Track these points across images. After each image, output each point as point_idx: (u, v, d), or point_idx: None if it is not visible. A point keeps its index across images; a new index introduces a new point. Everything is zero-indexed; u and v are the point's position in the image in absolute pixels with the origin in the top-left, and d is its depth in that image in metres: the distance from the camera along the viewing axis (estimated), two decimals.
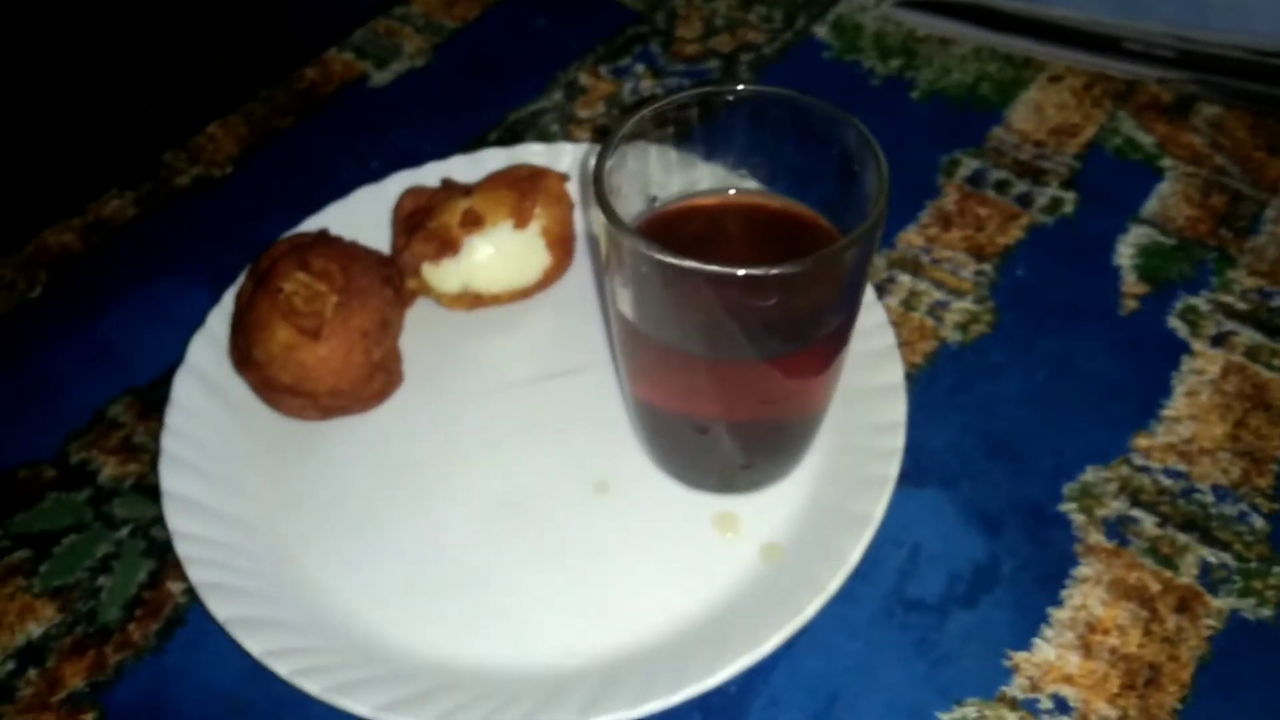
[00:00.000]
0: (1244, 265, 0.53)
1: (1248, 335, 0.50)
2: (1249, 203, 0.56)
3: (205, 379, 0.48)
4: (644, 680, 0.38)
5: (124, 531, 0.46)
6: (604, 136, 0.38)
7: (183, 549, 0.41)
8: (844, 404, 0.44)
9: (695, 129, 0.40)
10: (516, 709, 0.38)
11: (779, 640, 0.38)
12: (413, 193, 0.53)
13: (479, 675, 0.40)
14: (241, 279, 0.50)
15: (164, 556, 0.45)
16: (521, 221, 0.50)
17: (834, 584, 0.39)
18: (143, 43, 0.71)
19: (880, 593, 0.42)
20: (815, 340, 0.37)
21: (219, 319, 0.49)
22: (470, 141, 0.63)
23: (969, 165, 0.60)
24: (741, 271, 0.32)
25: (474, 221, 0.50)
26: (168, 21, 0.73)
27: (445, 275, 0.51)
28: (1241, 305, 0.51)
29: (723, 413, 0.40)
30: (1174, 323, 0.51)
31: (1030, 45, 0.66)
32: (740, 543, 0.43)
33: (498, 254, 0.50)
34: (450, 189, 0.52)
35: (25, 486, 0.48)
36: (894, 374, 0.45)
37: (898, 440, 0.43)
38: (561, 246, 0.52)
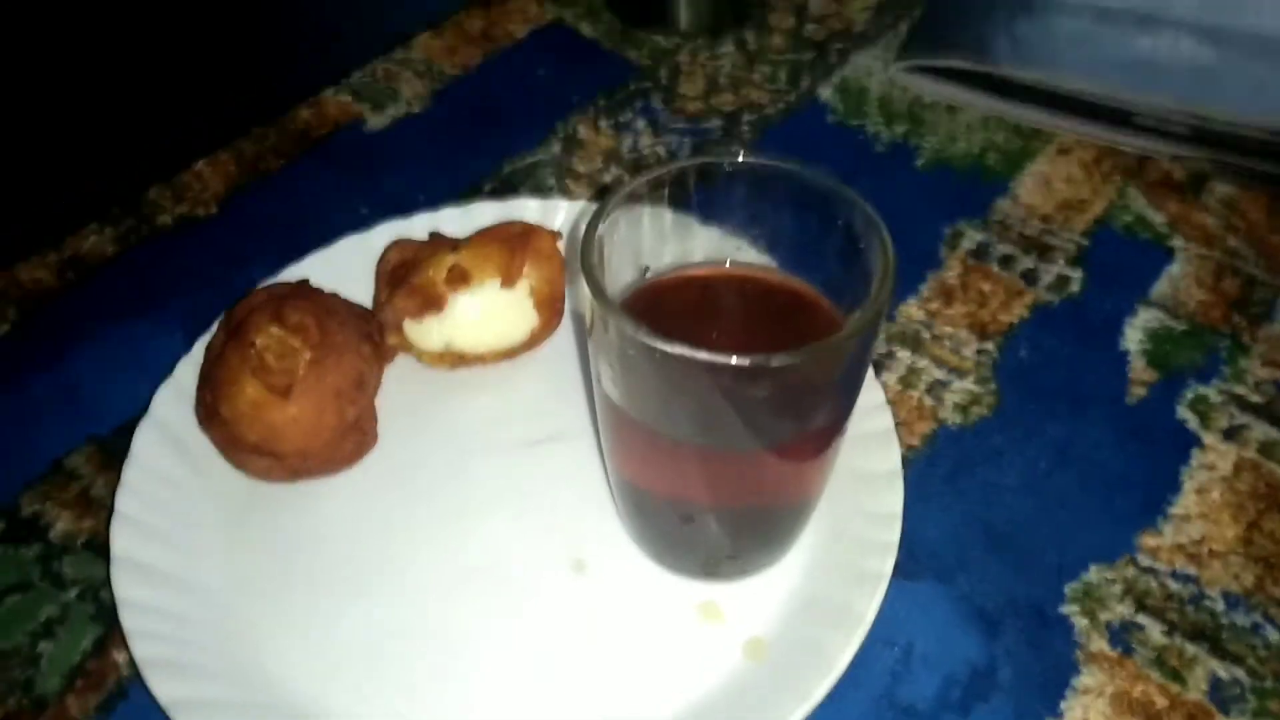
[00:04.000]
0: (1258, 355, 0.51)
1: (1261, 430, 0.48)
2: (1264, 288, 0.54)
3: (168, 433, 0.45)
4: None
5: (72, 593, 0.44)
6: (599, 201, 0.36)
7: (128, 620, 0.39)
8: (837, 488, 0.42)
9: (692, 198, 0.38)
10: None
11: None
12: (399, 245, 0.51)
13: None
14: (214, 328, 0.48)
15: (112, 622, 0.42)
16: (509, 280, 0.48)
17: (820, 691, 0.37)
18: (134, 74, 0.70)
19: (870, 696, 0.40)
20: (811, 429, 0.35)
21: (187, 370, 0.47)
22: (464, 191, 0.61)
23: (973, 237, 0.58)
24: (735, 361, 0.30)
25: (460, 278, 0.48)
26: (161, 53, 0.71)
27: (428, 332, 0.49)
28: (1255, 398, 0.49)
29: (710, 500, 0.38)
30: (1184, 413, 0.49)
31: (1039, 116, 0.64)
32: (723, 634, 0.41)
33: (483, 313, 0.48)
34: (438, 243, 0.50)
35: None
36: (891, 460, 0.43)
37: (893, 534, 0.41)
38: (550, 307, 0.50)
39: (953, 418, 0.49)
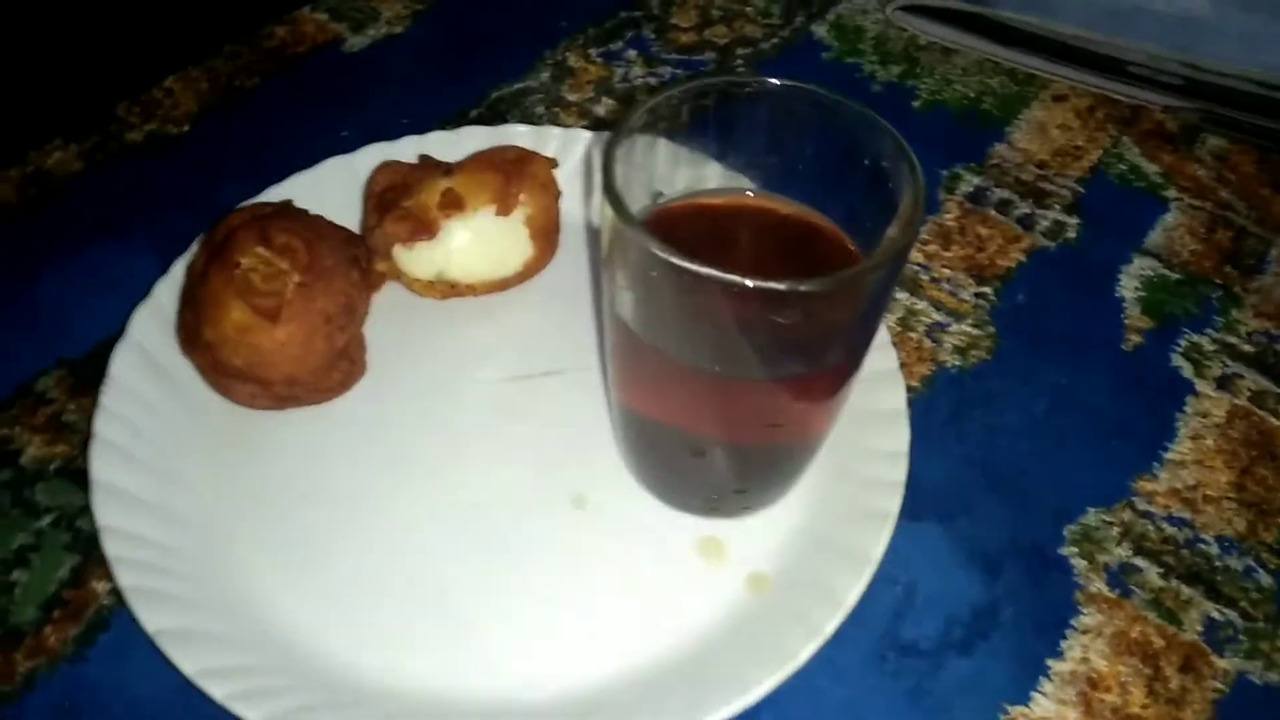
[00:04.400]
0: (1249, 306, 0.52)
1: (1253, 379, 0.48)
2: (1255, 240, 0.55)
3: (147, 357, 0.43)
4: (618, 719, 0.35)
5: (45, 521, 0.42)
6: (614, 123, 0.35)
7: (112, 548, 0.37)
8: (841, 426, 0.41)
9: (710, 121, 0.37)
10: None
11: (769, 686, 0.35)
12: (388, 168, 0.49)
13: (435, 706, 0.36)
14: (194, 249, 0.46)
15: (90, 552, 0.41)
16: (505, 208, 0.47)
17: (830, 626, 0.36)
18: None
19: (872, 634, 0.40)
20: (830, 362, 0.34)
21: (166, 291, 0.45)
22: (450, 117, 0.59)
23: (970, 181, 0.57)
24: (769, 285, 0.29)
25: (454, 204, 0.46)
26: None
27: (419, 260, 0.47)
28: (1247, 348, 0.50)
29: (723, 433, 0.37)
30: (1178, 361, 0.49)
31: (1034, 61, 0.64)
32: (725, 571, 0.40)
33: (477, 241, 0.47)
34: (429, 167, 0.48)
35: None
36: (896, 399, 0.43)
37: (900, 472, 0.40)
38: (545, 237, 0.48)
39: (952, 360, 0.49)
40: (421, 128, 0.56)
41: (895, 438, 0.41)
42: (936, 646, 0.40)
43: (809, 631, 0.36)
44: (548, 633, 0.38)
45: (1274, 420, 0.47)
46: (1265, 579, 0.42)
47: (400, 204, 0.47)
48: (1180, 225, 0.55)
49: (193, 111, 0.58)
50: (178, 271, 0.46)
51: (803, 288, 0.30)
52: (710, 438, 0.38)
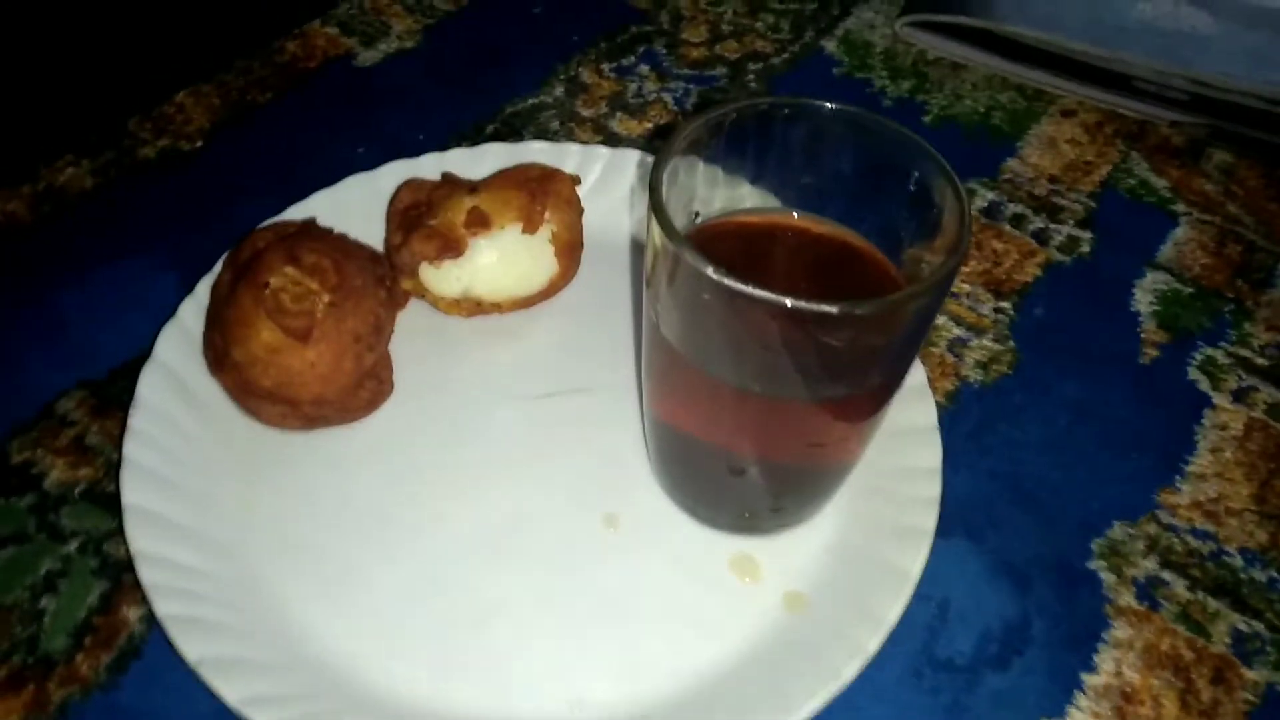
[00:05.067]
0: (1261, 319, 0.52)
1: (1268, 392, 0.49)
2: (1264, 254, 0.56)
3: (174, 378, 0.43)
4: None
5: (73, 546, 0.41)
6: (659, 144, 0.35)
7: (148, 575, 0.36)
8: (873, 443, 0.41)
9: (750, 143, 0.37)
10: None
11: (815, 706, 0.35)
12: (411, 185, 0.49)
13: None
14: (218, 268, 0.46)
15: (119, 577, 0.40)
16: (531, 226, 0.47)
17: (873, 645, 0.36)
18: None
19: (908, 651, 0.40)
20: (875, 381, 0.35)
21: (192, 311, 0.45)
22: (465, 132, 0.59)
23: (984, 196, 0.58)
24: (821, 307, 0.29)
25: (480, 222, 0.46)
26: None
27: (445, 278, 0.47)
28: (1261, 361, 0.50)
29: (764, 452, 0.37)
30: (1194, 374, 0.50)
31: (1041, 77, 0.64)
32: (761, 589, 0.40)
33: (503, 259, 0.47)
34: (453, 184, 0.48)
35: None
36: (927, 415, 0.43)
37: (934, 488, 0.41)
38: (569, 254, 0.48)
39: (974, 375, 0.49)
40: (437, 143, 0.57)
41: (928, 454, 0.42)
42: (972, 662, 0.40)
43: (852, 650, 0.36)
44: (585, 655, 0.38)
45: None
46: None
47: (426, 222, 0.47)
48: (1191, 239, 0.56)
49: (205, 127, 0.58)
50: (202, 291, 0.45)
51: (857, 311, 0.30)
52: (751, 456, 0.38)
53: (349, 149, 0.57)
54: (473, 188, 0.47)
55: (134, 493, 0.39)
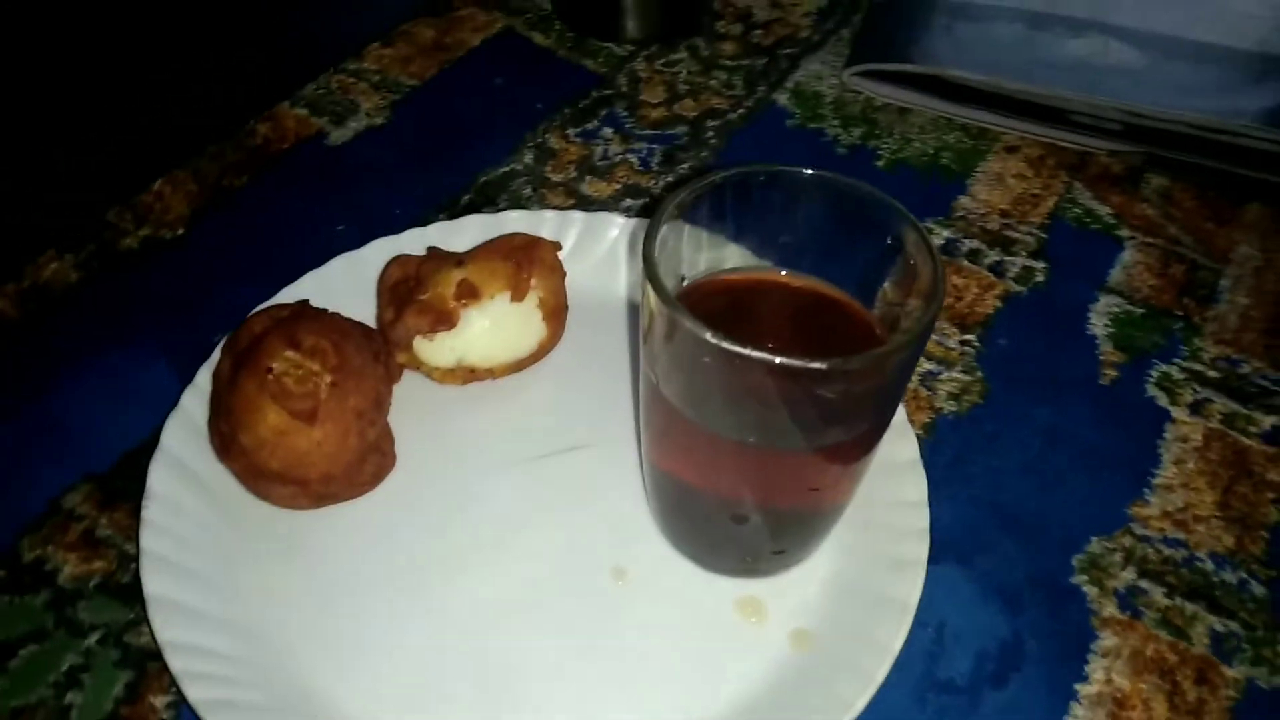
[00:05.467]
0: (1209, 334, 0.56)
1: (1222, 403, 0.52)
2: (1205, 272, 0.59)
3: (183, 467, 0.44)
4: None
5: (93, 639, 0.42)
6: (650, 213, 0.37)
7: (177, 662, 0.37)
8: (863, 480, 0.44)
9: (730, 207, 0.39)
10: None
11: None
12: (399, 261, 0.51)
13: None
14: (216, 356, 0.47)
15: (143, 666, 0.41)
16: (518, 294, 0.48)
17: (881, 674, 0.38)
18: (80, 92, 0.66)
19: (911, 677, 0.42)
20: (865, 426, 0.37)
21: (194, 400, 0.46)
22: (441, 203, 0.60)
23: (940, 234, 0.61)
24: (813, 364, 0.32)
25: (470, 293, 0.48)
26: (107, 70, 0.68)
27: (438, 349, 0.49)
28: (1212, 374, 0.54)
29: (765, 500, 0.39)
30: (1152, 390, 0.53)
31: (984, 116, 0.68)
32: (768, 628, 0.42)
33: (494, 327, 0.49)
34: (439, 258, 0.50)
35: None
36: (910, 449, 0.45)
37: (923, 519, 0.43)
38: (556, 318, 0.50)
39: (948, 406, 0.52)
40: (415, 216, 0.59)
41: (914, 487, 0.44)
42: (971, 683, 0.42)
43: (862, 681, 0.38)
44: (605, 708, 0.40)
45: (1245, 440, 0.51)
46: (1258, 589, 0.45)
47: (416, 297, 0.48)
48: (1137, 262, 0.59)
49: (185, 214, 0.59)
50: (203, 380, 0.47)
51: (848, 365, 0.32)
52: (752, 504, 0.40)
53: (329, 228, 0.59)
54: (459, 260, 0.49)
55: (155, 583, 0.40)
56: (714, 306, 0.40)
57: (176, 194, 0.60)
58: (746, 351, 0.32)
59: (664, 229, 0.37)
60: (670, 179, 0.63)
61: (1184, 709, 0.41)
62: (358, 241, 0.53)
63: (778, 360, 0.32)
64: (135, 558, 0.44)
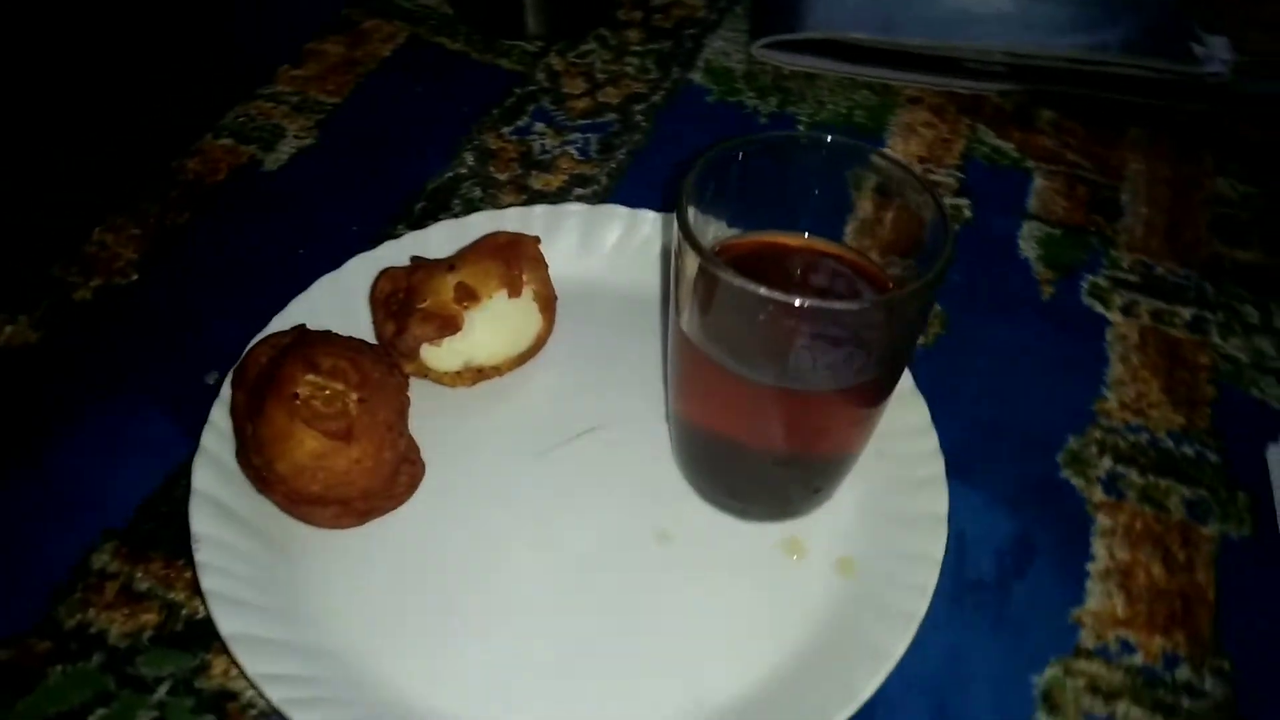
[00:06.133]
0: (1122, 244, 0.62)
1: (1147, 303, 0.59)
2: (1106, 190, 0.66)
3: (220, 506, 0.44)
4: (794, 708, 0.39)
5: (162, 691, 0.41)
6: (679, 179, 0.39)
7: (278, 694, 0.38)
8: None
9: (753, 173, 0.42)
10: None
11: (903, 648, 0.40)
12: (388, 275, 0.51)
13: None
14: (225, 392, 0.47)
15: (221, 708, 0.41)
16: (515, 290, 0.50)
17: (932, 582, 0.42)
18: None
19: (944, 584, 0.45)
20: (897, 364, 0.40)
21: (215, 440, 0.45)
22: (398, 214, 0.61)
23: (871, 179, 0.65)
24: (854, 305, 0.35)
25: (469, 296, 0.49)
26: (23, 124, 0.65)
27: (445, 354, 0.49)
28: (1133, 278, 0.60)
29: (810, 443, 0.42)
30: (1088, 300, 0.59)
31: (886, 73, 0.73)
32: (813, 563, 0.45)
33: (496, 325, 0.50)
34: (430, 266, 0.51)
35: (17, 666, 0.41)
36: (907, 379, 0.49)
37: (933, 440, 0.47)
38: (549, 307, 0.52)
39: (919, 339, 0.56)
40: (373, 230, 0.59)
41: (917, 413, 0.48)
42: (998, 579, 0.46)
43: (916, 592, 0.42)
44: (674, 664, 0.42)
45: (1174, 332, 0.57)
46: (1213, 457, 0.51)
47: (416, 306, 0.49)
48: (1047, 188, 0.65)
49: (135, 259, 0.57)
50: (218, 418, 0.46)
51: (886, 300, 0.36)
52: (796, 448, 0.43)
53: (288, 252, 0.58)
54: (451, 266, 0.50)
55: (229, 623, 0.40)
56: (748, 266, 0.42)
57: (120, 240, 0.58)
58: (794, 300, 0.35)
59: (693, 193, 0.39)
60: (613, 165, 0.65)
61: (1177, 568, 0.47)
62: (321, 262, 0.53)
63: (825, 304, 0.35)
64: (184, 605, 0.43)
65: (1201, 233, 0.63)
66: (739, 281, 0.36)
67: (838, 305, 0.37)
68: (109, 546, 0.45)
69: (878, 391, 0.41)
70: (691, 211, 0.38)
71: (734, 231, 0.43)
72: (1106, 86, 0.71)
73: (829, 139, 0.42)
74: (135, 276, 0.57)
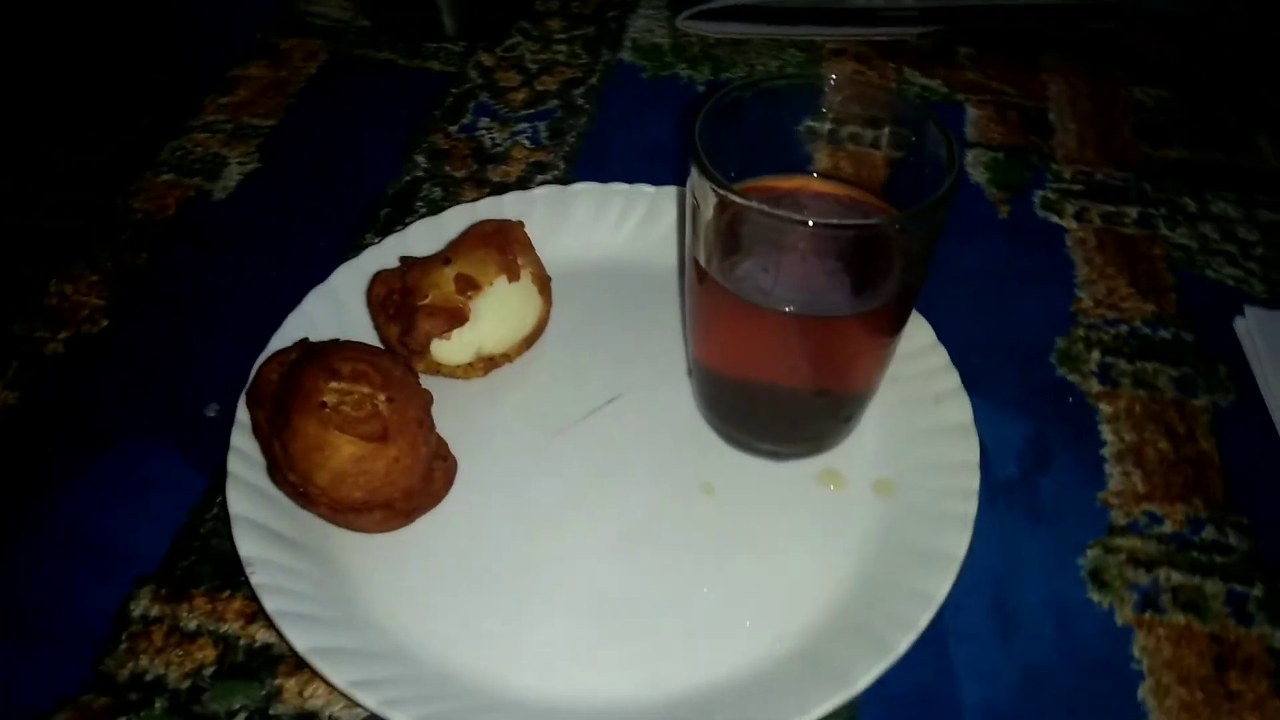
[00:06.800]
0: (1061, 158, 0.65)
1: (1096, 208, 0.62)
2: (1034, 111, 0.69)
3: (262, 528, 0.42)
4: (863, 638, 0.40)
5: None
6: (691, 120, 0.40)
7: (372, 700, 0.37)
8: None
9: (755, 115, 0.43)
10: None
11: (964, 553, 0.42)
12: (382, 278, 0.51)
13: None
14: (242, 416, 0.45)
15: None
16: (513, 275, 0.50)
17: (976, 484, 0.44)
18: None
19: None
20: (916, 286, 0.42)
21: (241, 464, 0.44)
22: (362, 224, 0.60)
23: (821, 126, 0.67)
24: (877, 220, 0.36)
25: (471, 286, 0.49)
26: None
27: (455, 347, 0.49)
28: (1078, 187, 0.63)
29: (843, 370, 0.44)
30: (1042, 213, 0.62)
31: (805, 30, 0.75)
32: (852, 491, 0.46)
33: (501, 311, 0.50)
34: (424, 263, 0.50)
35: None
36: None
37: (943, 356, 0.49)
38: (546, 289, 0.52)
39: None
40: (343, 242, 0.58)
41: (924, 334, 0.50)
42: (1024, 477, 0.48)
43: (963, 496, 0.44)
44: (736, 609, 0.42)
45: (1125, 229, 0.61)
46: (1188, 336, 0.55)
47: (419, 303, 0.48)
48: (981, 118, 0.68)
49: (101, 305, 0.55)
50: (239, 442, 0.45)
51: (907, 217, 0.37)
52: (828, 380, 0.44)
53: (259, 276, 0.57)
54: (447, 259, 0.50)
55: (302, 639, 0.38)
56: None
57: (80, 288, 0.56)
58: (813, 221, 0.36)
59: (704, 139, 0.40)
60: (566, 149, 0.65)
61: (1181, 440, 0.50)
62: (296, 281, 0.52)
63: (849, 222, 0.37)
64: (240, 635, 0.42)
65: (1129, 138, 0.67)
66: (767, 209, 0.37)
67: (860, 223, 0.38)
68: (145, 592, 0.44)
69: (900, 313, 0.43)
70: (706, 156, 0.39)
71: (735, 183, 0.44)
72: (1015, 19, 0.75)
73: (812, 76, 0.43)
74: (105, 323, 0.54)
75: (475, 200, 0.58)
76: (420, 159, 0.64)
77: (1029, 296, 0.57)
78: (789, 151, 0.46)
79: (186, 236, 0.59)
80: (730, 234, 0.39)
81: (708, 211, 0.39)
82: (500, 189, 0.62)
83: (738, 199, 0.37)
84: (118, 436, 0.49)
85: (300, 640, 0.38)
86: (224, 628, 0.42)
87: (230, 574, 0.44)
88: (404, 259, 0.52)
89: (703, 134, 0.40)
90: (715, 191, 0.38)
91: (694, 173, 0.39)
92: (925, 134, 0.41)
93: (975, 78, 0.71)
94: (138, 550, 0.45)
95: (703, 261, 0.41)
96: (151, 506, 0.46)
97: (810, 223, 0.36)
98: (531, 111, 0.68)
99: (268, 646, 0.42)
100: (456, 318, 0.48)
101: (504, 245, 0.50)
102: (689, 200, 0.41)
